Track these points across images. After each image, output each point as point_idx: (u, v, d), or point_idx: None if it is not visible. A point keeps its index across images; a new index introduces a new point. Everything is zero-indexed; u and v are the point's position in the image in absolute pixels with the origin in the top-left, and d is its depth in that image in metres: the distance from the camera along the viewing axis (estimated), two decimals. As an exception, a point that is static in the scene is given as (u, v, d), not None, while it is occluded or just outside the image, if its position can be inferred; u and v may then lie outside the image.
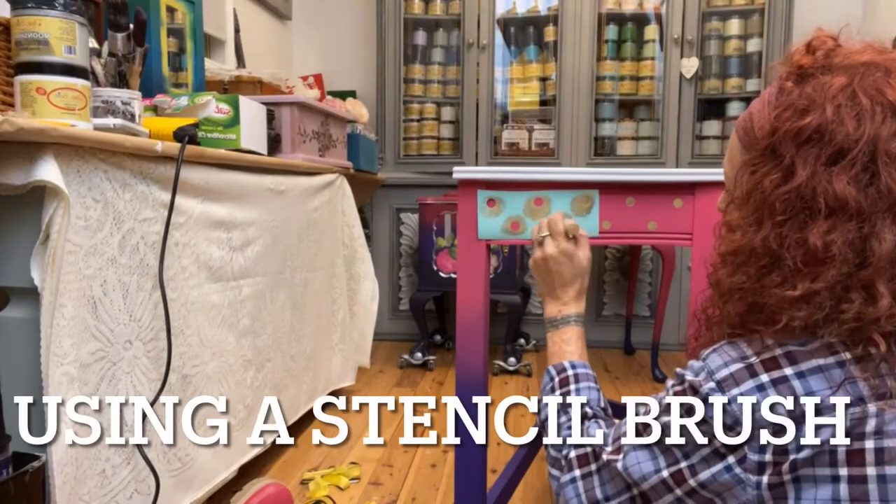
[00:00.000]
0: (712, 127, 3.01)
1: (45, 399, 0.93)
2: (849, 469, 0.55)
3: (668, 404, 0.64)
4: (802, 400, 0.56)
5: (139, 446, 1.13)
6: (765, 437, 0.57)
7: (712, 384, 0.60)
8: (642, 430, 0.67)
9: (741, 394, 0.58)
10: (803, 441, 0.56)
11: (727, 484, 0.60)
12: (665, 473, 0.64)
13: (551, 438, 0.80)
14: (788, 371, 0.57)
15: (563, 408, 0.82)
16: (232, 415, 1.49)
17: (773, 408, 0.57)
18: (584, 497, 0.72)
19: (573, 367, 0.87)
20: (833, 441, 0.55)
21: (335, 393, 2.31)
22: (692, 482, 0.62)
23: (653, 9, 3.02)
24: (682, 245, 1.09)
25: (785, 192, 0.59)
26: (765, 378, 0.58)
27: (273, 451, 1.82)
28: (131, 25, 1.30)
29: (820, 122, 0.58)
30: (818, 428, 0.55)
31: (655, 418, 0.65)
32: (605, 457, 0.70)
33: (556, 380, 0.86)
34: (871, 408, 0.55)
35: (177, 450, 1.28)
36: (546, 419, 0.83)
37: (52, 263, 0.94)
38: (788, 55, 0.66)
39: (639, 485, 0.66)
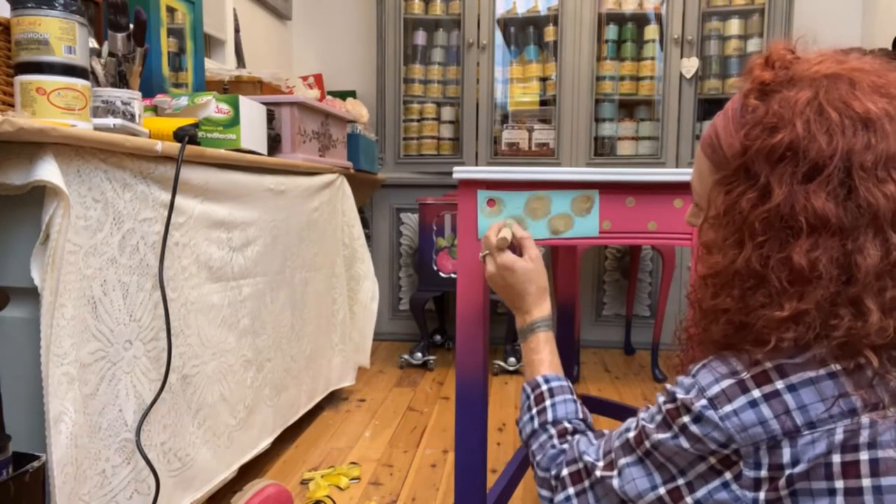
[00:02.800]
0: (712, 127, 3.01)
1: (45, 399, 0.93)
2: (844, 482, 0.55)
3: (661, 422, 0.64)
4: (795, 413, 0.56)
5: (139, 446, 1.13)
6: (760, 452, 0.57)
7: (704, 401, 0.60)
8: (635, 446, 0.66)
9: (734, 411, 0.58)
10: (798, 455, 0.55)
11: (723, 502, 0.60)
12: (661, 490, 0.64)
13: (537, 458, 0.79)
14: (779, 385, 0.57)
15: (543, 427, 0.81)
16: (232, 415, 1.49)
17: (766, 423, 0.57)
18: None
19: (546, 381, 0.85)
20: (828, 454, 0.55)
21: (335, 393, 2.31)
22: (689, 500, 0.62)
23: (653, 9, 3.03)
24: (682, 245, 1.09)
25: (764, 212, 0.58)
26: (756, 393, 0.58)
27: (273, 451, 1.82)
28: (131, 25, 1.30)
29: (791, 139, 0.57)
30: (812, 441, 0.55)
31: (647, 437, 0.64)
32: (598, 473, 0.70)
33: (532, 397, 0.85)
34: (864, 419, 0.55)
35: (177, 450, 1.28)
36: (529, 439, 0.82)
37: (52, 263, 0.94)
38: (748, 70, 0.65)
39: (635, 502, 0.66)
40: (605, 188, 1.09)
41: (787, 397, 0.56)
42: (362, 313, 2.35)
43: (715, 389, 0.60)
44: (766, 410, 0.57)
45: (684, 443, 0.61)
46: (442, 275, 2.78)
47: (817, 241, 0.56)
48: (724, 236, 0.62)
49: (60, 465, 0.95)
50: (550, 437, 0.79)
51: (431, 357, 2.81)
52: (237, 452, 1.52)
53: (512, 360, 2.72)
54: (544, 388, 0.85)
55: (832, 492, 0.55)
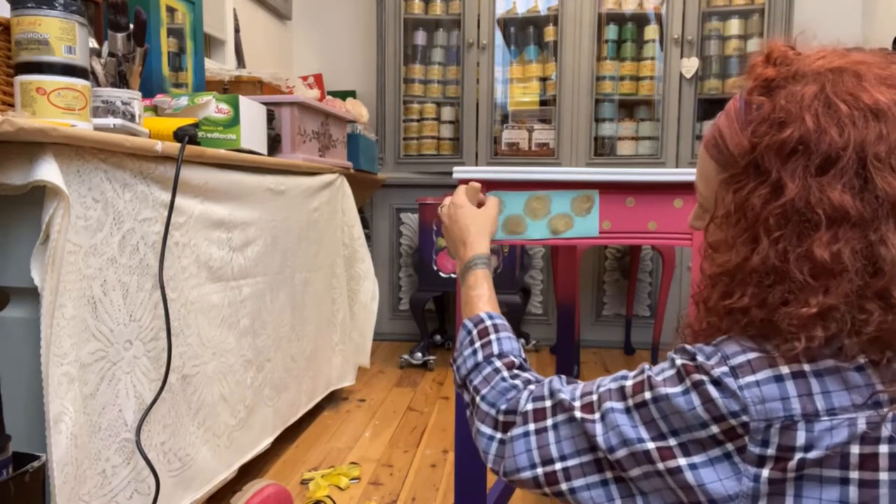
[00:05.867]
0: (712, 127, 3.01)
1: (45, 399, 0.93)
2: (860, 473, 0.54)
3: (672, 376, 0.60)
4: (817, 398, 0.54)
5: (139, 446, 1.13)
6: (771, 430, 0.55)
7: (726, 368, 0.57)
8: (630, 393, 0.62)
9: (756, 382, 0.56)
10: (813, 440, 0.54)
11: (722, 471, 0.57)
12: (650, 445, 0.60)
13: (482, 392, 0.74)
14: (807, 367, 0.56)
15: (488, 359, 0.77)
16: (232, 415, 1.49)
17: (787, 400, 0.55)
18: (535, 454, 0.67)
19: (490, 317, 0.83)
20: (847, 444, 0.53)
21: (335, 393, 2.31)
22: (682, 462, 0.58)
23: (653, 9, 3.03)
24: (682, 245, 1.09)
25: (778, 207, 0.57)
26: (785, 370, 0.56)
27: (273, 451, 1.82)
28: (131, 25, 1.30)
29: (802, 133, 0.57)
30: (831, 428, 0.54)
31: (652, 388, 0.61)
32: (577, 413, 0.65)
33: (475, 331, 0.82)
34: (889, 413, 0.54)
35: (177, 450, 1.28)
36: (470, 373, 0.78)
37: (52, 263, 0.94)
38: (750, 68, 0.64)
39: (614, 450, 0.61)
40: (605, 188, 1.09)
41: (813, 381, 0.55)
42: (362, 313, 2.35)
43: (740, 359, 0.57)
44: (790, 388, 0.55)
45: (694, 400, 0.57)
46: (442, 275, 2.78)
47: (837, 234, 0.55)
48: (735, 234, 0.61)
49: (60, 465, 0.95)
50: (497, 370, 0.75)
51: (431, 357, 2.81)
52: (237, 452, 1.52)
53: (512, 360, 2.72)
54: (488, 322, 0.82)
55: (845, 481, 0.54)
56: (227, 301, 1.47)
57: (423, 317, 2.84)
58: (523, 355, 0.79)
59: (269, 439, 1.69)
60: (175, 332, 1.25)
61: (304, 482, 1.68)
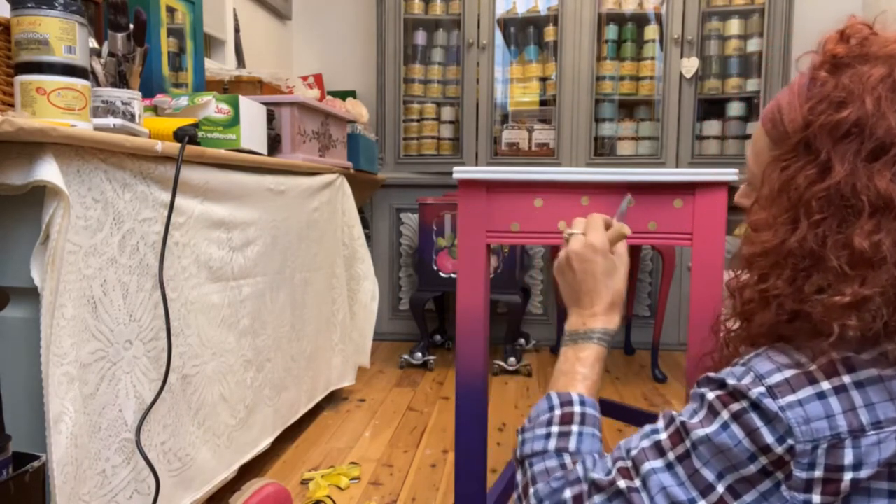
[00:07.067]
0: (712, 127, 3.01)
1: (45, 399, 0.93)
2: None
3: (707, 414, 0.56)
4: (861, 412, 0.52)
5: (139, 446, 1.13)
6: (818, 451, 0.52)
7: (762, 389, 0.54)
8: (668, 447, 0.58)
9: (798, 401, 0.52)
10: (862, 457, 0.51)
11: None
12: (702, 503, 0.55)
13: (538, 485, 0.68)
14: (847, 379, 0.53)
15: (559, 453, 0.69)
16: (232, 415, 1.49)
17: (833, 418, 0.52)
18: None
19: (582, 403, 0.72)
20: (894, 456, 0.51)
21: (335, 393, 2.31)
22: None
23: (653, 9, 3.03)
24: (682, 245, 1.08)
25: (822, 190, 0.55)
26: (826, 385, 0.52)
27: (273, 451, 1.82)
28: (131, 25, 1.31)
29: (859, 116, 0.55)
30: (878, 442, 0.51)
31: (688, 433, 0.57)
32: (621, 483, 0.59)
33: (558, 413, 0.72)
34: None
35: (177, 450, 1.28)
36: (532, 457, 0.70)
37: (52, 263, 0.94)
38: (821, 43, 0.62)
39: None
40: (606, 188, 1.09)
41: (854, 394, 0.52)
42: (362, 313, 2.35)
43: (776, 378, 0.54)
44: (835, 404, 0.52)
45: (738, 433, 0.54)
46: (442, 275, 2.78)
47: (880, 223, 0.53)
48: (776, 214, 0.59)
49: (60, 465, 0.95)
50: (563, 466, 0.67)
51: (431, 357, 2.81)
52: (237, 452, 1.52)
53: (512, 360, 2.71)
54: (577, 409, 0.71)
55: (893, 494, 0.52)
56: (227, 301, 1.47)
57: (423, 317, 2.84)
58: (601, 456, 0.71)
59: (269, 439, 1.69)
60: (175, 332, 1.25)
61: (304, 482, 1.68)
